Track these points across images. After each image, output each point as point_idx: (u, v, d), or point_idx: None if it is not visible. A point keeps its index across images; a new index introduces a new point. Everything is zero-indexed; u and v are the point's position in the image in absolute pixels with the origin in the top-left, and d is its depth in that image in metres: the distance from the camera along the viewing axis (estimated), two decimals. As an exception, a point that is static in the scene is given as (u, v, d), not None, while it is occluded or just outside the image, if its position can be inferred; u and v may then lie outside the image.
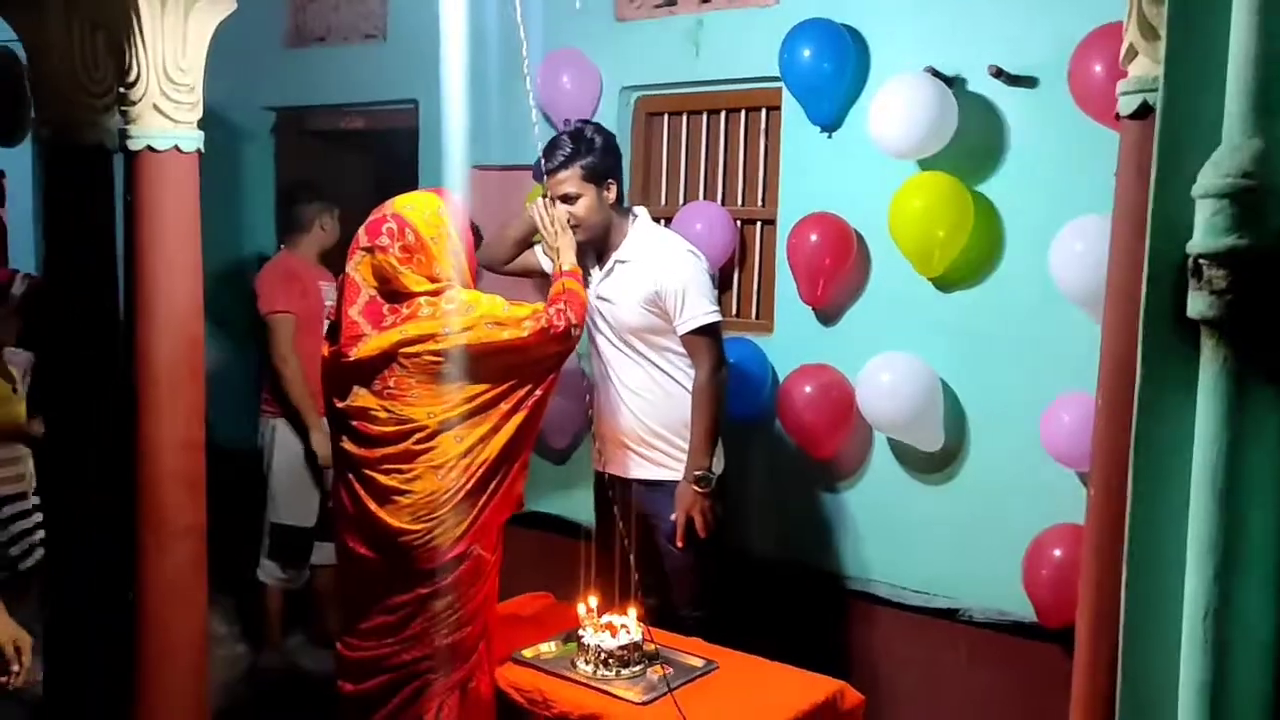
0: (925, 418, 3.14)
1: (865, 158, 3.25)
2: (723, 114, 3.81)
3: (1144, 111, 1.68)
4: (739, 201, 3.81)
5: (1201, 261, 1.07)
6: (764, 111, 3.71)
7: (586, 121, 2.99)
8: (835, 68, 3.25)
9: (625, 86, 3.90)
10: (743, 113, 3.76)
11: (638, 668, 2.63)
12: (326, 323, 2.60)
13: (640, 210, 3.04)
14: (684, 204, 3.83)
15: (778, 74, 3.37)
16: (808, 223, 3.32)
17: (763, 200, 3.74)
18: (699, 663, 2.70)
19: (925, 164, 3.15)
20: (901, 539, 3.34)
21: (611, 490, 3.04)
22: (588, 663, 2.65)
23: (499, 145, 3.92)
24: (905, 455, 3.31)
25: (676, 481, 2.95)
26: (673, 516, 2.92)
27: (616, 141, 2.99)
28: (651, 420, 2.96)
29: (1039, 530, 2.96)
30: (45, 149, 2.73)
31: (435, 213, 2.48)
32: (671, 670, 2.60)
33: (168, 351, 2.47)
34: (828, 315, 3.43)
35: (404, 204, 2.50)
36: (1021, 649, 3.08)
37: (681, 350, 2.92)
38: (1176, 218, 1.13)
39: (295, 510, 4.01)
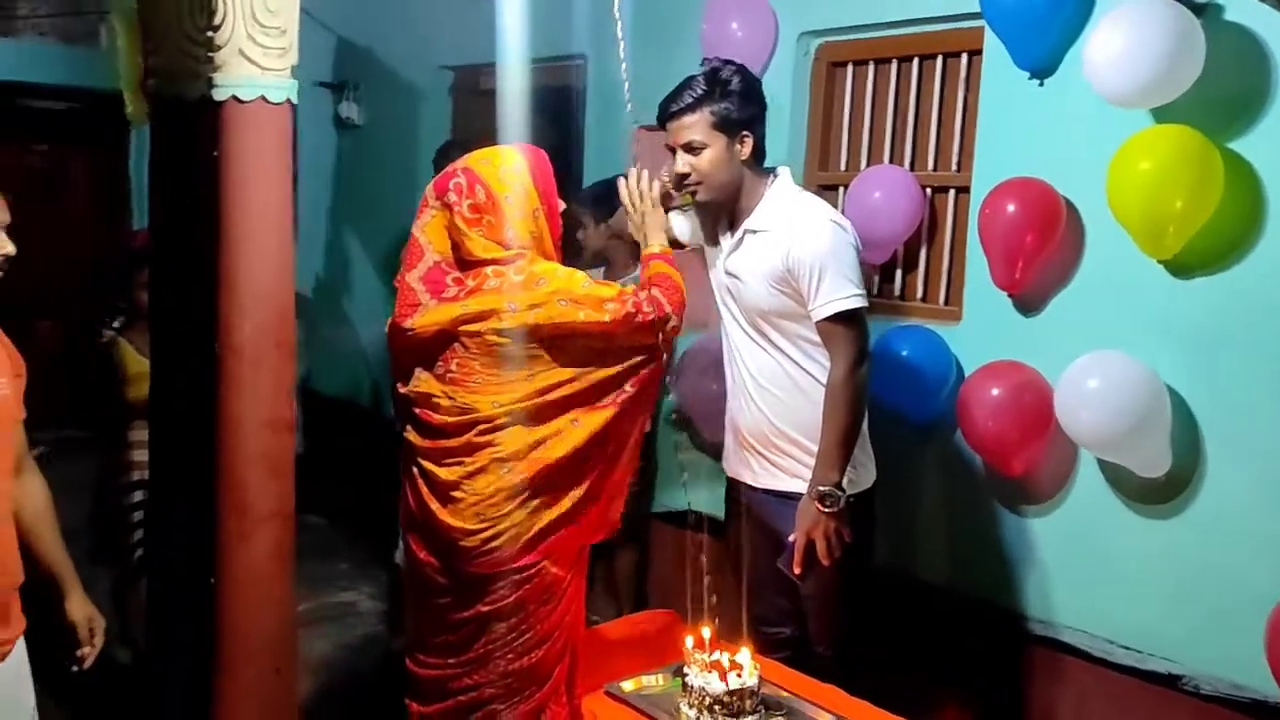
0: (1145, 435, 2.66)
1: (1083, 109, 2.80)
2: (915, 61, 3.35)
3: None
4: (929, 166, 3.33)
5: None
6: (964, 57, 3.22)
7: (728, 61, 2.54)
8: (1050, -2, 2.79)
9: (804, 32, 3.51)
10: (939, 59, 3.29)
11: (751, 719, 2.26)
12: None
13: (783, 171, 2.59)
14: (865, 168, 3.35)
15: (980, 10, 2.92)
16: (1005, 190, 2.88)
17: (957, 164, 3.26)
18: (828, 720, 2.34)
19: (1160, 114, 2.67)
20: (1105, 581, 2.88)
21: (737, 499, 2.70)
22: (691, 706, 2.30)
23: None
24: (1118, 481, 2.83)
25: None
26: (791, 538, 2.48)
27: (760, 89, 2.56)
28: (781, 420, 2.53)
29: (1292, 589, 2.48)
30: (152, 102, 2.62)
31: (512, 169, 2.22)
32: (792, 727, 2.29)
33: (253, 324, 2.33)
34: (1027, 303, 2.97)
35: (479, 159, 2.26)
36: (1262, 735, 2.62)
37: (819, 340, 2.46)
38: None
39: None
